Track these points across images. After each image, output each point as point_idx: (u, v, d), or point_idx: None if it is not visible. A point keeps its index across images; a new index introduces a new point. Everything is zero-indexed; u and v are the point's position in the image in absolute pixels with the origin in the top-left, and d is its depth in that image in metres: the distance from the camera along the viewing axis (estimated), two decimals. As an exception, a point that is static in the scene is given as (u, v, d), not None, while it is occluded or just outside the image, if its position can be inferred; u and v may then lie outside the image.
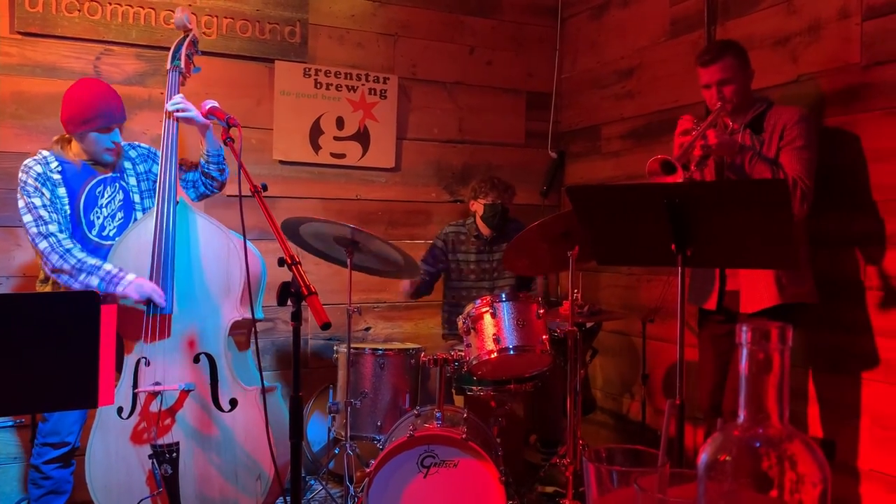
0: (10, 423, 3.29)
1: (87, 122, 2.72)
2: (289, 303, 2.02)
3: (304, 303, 2.00)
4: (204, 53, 3.62)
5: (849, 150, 2.80)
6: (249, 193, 2.27)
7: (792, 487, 0.64)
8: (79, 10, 3.41)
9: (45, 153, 2.75)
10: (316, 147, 3.95)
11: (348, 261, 3.06)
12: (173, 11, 3.56)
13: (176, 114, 2.78)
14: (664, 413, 3.72)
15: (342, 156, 4.01)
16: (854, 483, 2.77)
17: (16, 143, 3.34)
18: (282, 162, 3.89)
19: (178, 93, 2.83)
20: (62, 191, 2.71)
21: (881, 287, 2.70)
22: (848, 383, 2.80)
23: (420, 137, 4.22)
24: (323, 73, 3.93)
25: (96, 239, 2.78)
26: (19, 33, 3.33)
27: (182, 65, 2.87)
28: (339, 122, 3.99)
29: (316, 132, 3.95)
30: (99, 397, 1.74)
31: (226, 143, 2.42)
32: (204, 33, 3.65)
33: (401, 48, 4.15)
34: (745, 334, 0.67)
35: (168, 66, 2.87)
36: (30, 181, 2.66)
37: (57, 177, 2.72)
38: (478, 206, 3.73)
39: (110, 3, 3.46)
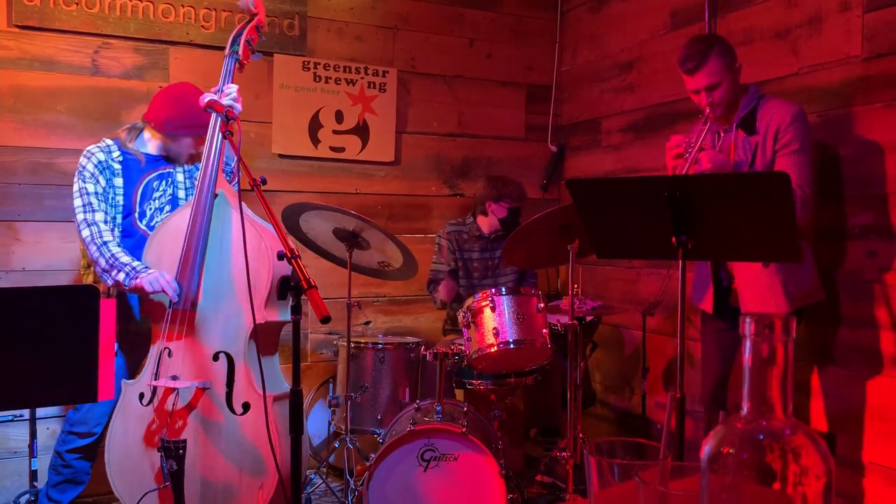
0: (9, 417, 3.29)
1: (195, 127, 2.75)
2: (288, 296, 2.01)
3: (303, 296, 1.99)
4: (203, 47, 3.63)
5: (850, 143, 2.80)
6: (249, 187, 2.26)
7: (795, 480, 0.63)
8: (77, 4, 3.39)
9: (109, 142, 2.75)
10: (315, 141, 3.94)
11: (348, 255, 3.06)
12: (171, 5, 3.56)
13: (227, 103, 2.54)
14: (664, 406, 3.73)
15: (341, 149, 4.00)
16: (857, 477, 2.77)
17: (14, 137, 3.33)
18: (281, 156, 3.88)
19: (233, 82, 2.66)
20: (119, 181, 2.73)
21: (884, 280, 2.70)
22: (851, 377, 2.79)
23: (419, 131, 4.21)
24: (322, 67, 3.92)
25: (144, 228, 2.78)
26: (17, 27, 3.31)
27: (240, 51, 2.67)
28: (339, 116, 3.98)
29: (315, 126, 3.94)
30: (98, 391, 1.74)
31: (224, 137, 2.41)
32: (202, 26, 3.63)
33: (400, 41, 4.14)
34: (748, 325, 0.66)
35: (226, 51, 2.69)
36: (89, 167, 2.67)
37: (117, 167, 2.72)
38: (499, 210, 3.67)
39: (108, -3, 3.45)
